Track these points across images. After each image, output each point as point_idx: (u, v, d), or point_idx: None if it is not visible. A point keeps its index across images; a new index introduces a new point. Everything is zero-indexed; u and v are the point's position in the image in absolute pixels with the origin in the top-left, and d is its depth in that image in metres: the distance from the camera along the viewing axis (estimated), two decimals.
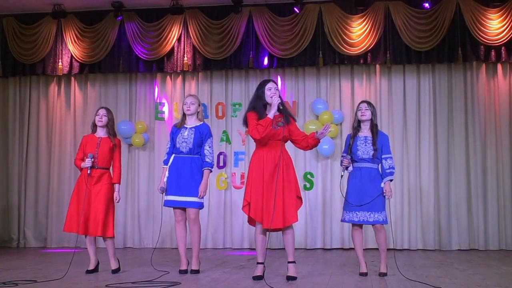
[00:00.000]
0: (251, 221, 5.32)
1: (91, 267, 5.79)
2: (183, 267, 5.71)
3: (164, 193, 5.70)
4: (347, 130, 8.30)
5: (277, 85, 5.40)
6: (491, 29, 7.88)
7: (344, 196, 5.60)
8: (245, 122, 5.33)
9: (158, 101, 8.78)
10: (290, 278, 5.18)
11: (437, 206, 8.13)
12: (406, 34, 7.99)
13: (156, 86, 8.84)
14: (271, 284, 4.90)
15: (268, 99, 5.24)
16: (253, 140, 5.40)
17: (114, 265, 5.80)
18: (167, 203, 5.71)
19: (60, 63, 8.69)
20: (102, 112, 5.90)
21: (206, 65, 8.49)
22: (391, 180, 5.47)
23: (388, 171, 5.45)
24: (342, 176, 5.69)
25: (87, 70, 8.73)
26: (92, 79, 9.01)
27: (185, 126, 5.75)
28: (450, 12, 7.94)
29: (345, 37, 8.12)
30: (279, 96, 5.22)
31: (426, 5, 7.90)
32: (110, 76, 8.93)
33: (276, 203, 5.06)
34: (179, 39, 8.49)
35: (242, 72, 8.68)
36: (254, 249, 5.43)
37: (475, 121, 8.16)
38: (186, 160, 5.67)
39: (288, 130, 5.28)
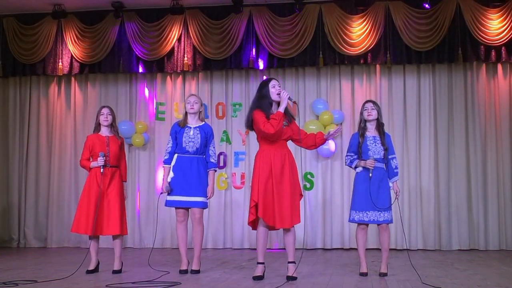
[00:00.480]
0: (253, 223, 5.26)
1: (92, 267, 5.79)
2: (184, 267, 5.71)
3: (167, 193, 5.70)
4: (347, 130, 8.31)
5: (279, 83, 5.41)
6: (491, 29, 7.88)
7: (353, 197, 5.56)
8: (249, 122, 5.31)
9: (148, 101, 8.79)
10: (290, 278, 5.18)
11: (437, 206, 8.12)
12: (406, 34, 7.99)
13: (156, 86, 8.85)
14: (272, 284, 4.90)
15: (274, 97, 5.24)
16: (254, 140, 5.42)
17: (117, 266, 5.80)
18: (170, 203, 5.69)
19: (60, 63, 8.69)
20: (106, 111, 5.91)
21: (206, 65, 8.49)
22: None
23: (395, 171, 5.53)
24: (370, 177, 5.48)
25: (87, 70, 8.73)
26: (92, 79, 9.01)
27: (189, 125, 5.75)
28: (450, 12, 7.94)
29: (345, 37, 8.12)
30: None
31: (427, 5, 7.90)
32: (110, 76, 8.94)
33: (286, 203, 5.09)
34: (179, 39, 8.49)
35: (243, 72, 8.67)
36: (255, 249, 5.43)
37: (475, 121, 8.16)
38: (192, 160, 5.67)
39: (291, 130, 5.30)
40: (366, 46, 8.06)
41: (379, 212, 5.41)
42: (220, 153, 8.51)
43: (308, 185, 8.32)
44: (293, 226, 5.23)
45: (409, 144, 8.25)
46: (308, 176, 8.32)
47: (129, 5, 8.49)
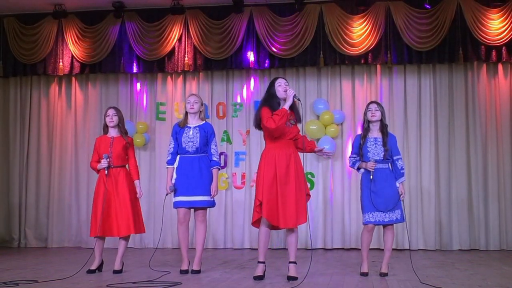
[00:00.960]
0: (256, 223, 5.25)
1: (93, 266, 5.78)
2: (184, 267, 5.70)
3: (173, 193, 5.70)
4: (348, 130, 8.31)
5: (286, 81, 5.40)
6: (492, 29, 7.88)
7: (361, 200, 5.56)
8: (257, 121, 5.31)
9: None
10: (291, 278, 5.18)
11: (438, 206, 8.12)
12: (407, 34, 7.99)
13: (157, 86, 8.85)
14: (272, 284, 4.90)
15: (280, 95, 5.26)
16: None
17: (118, 266, 5.80)
18: (177, 204, 5.69)
19: (61, 63, 8.69)
20: (111, 112, 5.91)
21: (206, 65, 8.49)
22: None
23: (402, 171, 5.53)
24: (371, 180, 5.50)
25: (88, 70, 8.73)
26: (93, 79, 9.01)
27: (188, 125, 5.75)
28: (451, 12, 7.94)
29: (346, 37, 8.12)
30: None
31: (427, 6, 7.90)
32: (111, 76, 8.94)
33: (291, 202, 5.09)
34: (179, 39, 8.49)
35: (243, 72, 8.67)
36: (255, 249, 5.42)
37: (476, 121, 8.16)
38: (194, 159, 5.67)
39: (297, 130, 5.34)
40: (367, 46, 8.06)
41: (385, 213, 5.41)
42: (221, 153, 8.51)
43: (308, 185, 8.29)
44: (297, 227, 5.23)
45: (410, 144, 8.25)
46: (309, 176, 8.31)
47: (130, 5, 8.49)
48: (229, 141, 8.62)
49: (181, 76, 8.81)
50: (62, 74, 8.78)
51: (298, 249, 5.37)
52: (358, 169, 5.58)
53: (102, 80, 8.98)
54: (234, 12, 8.29)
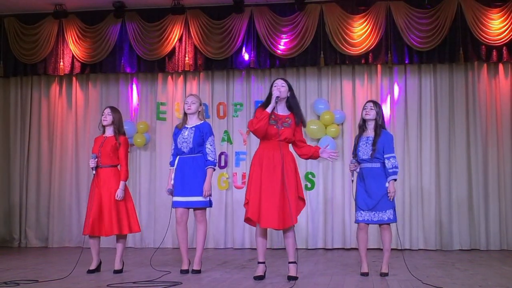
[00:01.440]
0: (247, 220, 5.30)
1: (93, 266, 5.79)
2: (185, 267, 5.71)
3: (172, 195, 5.72)
4: (348, 130, 8.31)
5: (286, 82, 5.38)
6: (492, 29, 7.87)
7: (355, 199, 5.60)
8: None
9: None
10: (291, 278, 5.18)
11: (439, 206, 8.12)
12: (408, 34, 7.99)
13: (157, 86, 8.85)
14: (273, 284, 4.90)
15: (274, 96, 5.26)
16: (255, 140, 5.43)
17: (118, 266, 5.81)
18: (175, 204, 5.70)
19: (61, 63, 8.70)
20: (106, 111, 5.93)
21: (207, 65, 8.49)
22: (395, 180, 5.49)
23: (391, 170, 5.45)
24: (352, 180, 5.70)
25: (89, 70, 8.74)
26: (93, 79, 9.02)
27: (186, 126, 5.76)
28: (452, 12, 7.94)
29: (346, 37, 8.12)
30: (287, 91, 5.28)
31: (428, 4, 7.91)
32: (112, 76, 8.94)
33: (274, 203, 5.06)
34: (180, 39, 8.49)
35: (244, 72, 8.67)
36: (256, 249, 5.43)
37: (476, 121, 8.16)
38: (188, 160, 5.67)
39: (292, 132, 5.26)
40: (367, 46, 8.06)
41: (375, 212, 5.41)
42: (221, 153, 8.51)
43: (309, 185, 8.32)
44: (293, 229, 5.21)
45: (410, 144, 8.25)
46: (309, 176, 8.32)
47: (130, 5, 8.49)
48: (229, 141, 8.62)
49: (181, 76, 8.81)
50: (62, 74, 8.78)
51: (298, 249, 5.37)
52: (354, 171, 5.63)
53: (103, 80, 8.99)
54: (235, 12, 8.29)
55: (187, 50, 8.48)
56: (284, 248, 5.47)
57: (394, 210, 5.52)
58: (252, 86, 8.60)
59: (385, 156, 5.48)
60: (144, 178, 8.74)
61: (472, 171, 8.10)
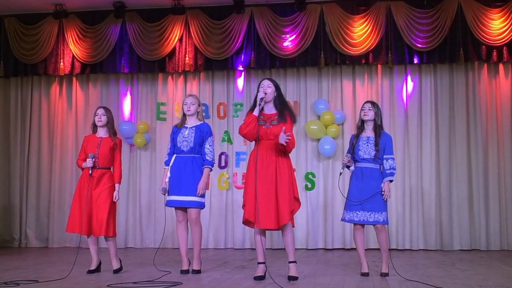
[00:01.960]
0: (246, 222, 5.28)
1: (93, 267, 5.79)
2: (185, 267, 5.71)
3: (166, 194, 5.71)
4: (348, 130, 8.30)
5: (273, 82, 5.33)
6: (492, 29, 7.88)
7: (344, 195, 5.61)
8: None
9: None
10: (292, 278, 5.18)
11: (439, 206, 8.12)
12: (408, 34, 7.99)
13: (157, 86, 8.85)
14: (273, 284, 4.90)
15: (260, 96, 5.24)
16: None
17: (115, 265, 5.81)
18: (169, 203, 5.71)
19: (61, 63, 8.70)
20: (100, 111, 5.91)
21: (207, 65, 8.49)
22: (391, 181, 5.48)
23: (388, 171, 5.45)
24: (340, 173, 5.76)
25: (89, 70, 8.74)
26: (93, 79, 9.02)
27: (186, 126, 5.76)
28: (452, 12, 7.94)
29: (346, 37, 8.12)
30: (269, 92, 5.20)
31: (428, 5, 7.91)
32: (112, 76, 8.94)
33: (270, 204, 5.06)
34: (180, 39, 8.50)
35: (244, 72, 8.67)
36: (255, 249, 5.42)
37: (477, 121, 8.16)
38: (187, 159, 5.67)
39: (279, 130, 5.11)
40: (368, 46, 8.06)
41: (369, 213, 5.41)
42: (222, 153, 8.51)
43: (309, 185, 8.32)
44: (291, 228, 5.20)
45: (411, 144, 8.25)
46: (310, 176, 8.31)
47: (131, 5, 8.50)
48: (230, 141, 8.62)
49: (181, 76, 8.81)
50: (63, 74, 8.79)
51: (298, 249, 5.36)
52: (348, 167, 5.58)
53: (103, 80, 8.99)
54: (235, 12, 8.30)
55: (187, 50, 8.48)
56: (284, 248, 5.47)
57: (387, 213, 5.50)
58: (252, 86, 8.58)
59: (384, 157, 5.49)
60: (144, 178, 8.74)
61: (472, 171, 8.09)
